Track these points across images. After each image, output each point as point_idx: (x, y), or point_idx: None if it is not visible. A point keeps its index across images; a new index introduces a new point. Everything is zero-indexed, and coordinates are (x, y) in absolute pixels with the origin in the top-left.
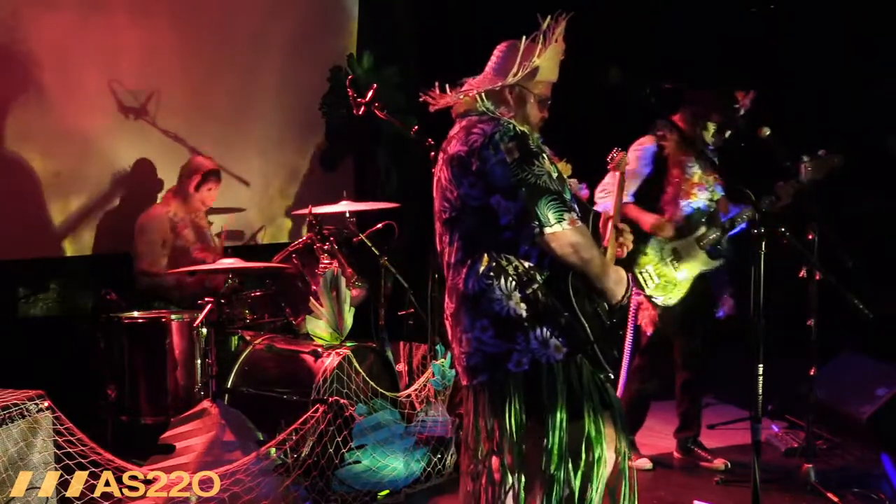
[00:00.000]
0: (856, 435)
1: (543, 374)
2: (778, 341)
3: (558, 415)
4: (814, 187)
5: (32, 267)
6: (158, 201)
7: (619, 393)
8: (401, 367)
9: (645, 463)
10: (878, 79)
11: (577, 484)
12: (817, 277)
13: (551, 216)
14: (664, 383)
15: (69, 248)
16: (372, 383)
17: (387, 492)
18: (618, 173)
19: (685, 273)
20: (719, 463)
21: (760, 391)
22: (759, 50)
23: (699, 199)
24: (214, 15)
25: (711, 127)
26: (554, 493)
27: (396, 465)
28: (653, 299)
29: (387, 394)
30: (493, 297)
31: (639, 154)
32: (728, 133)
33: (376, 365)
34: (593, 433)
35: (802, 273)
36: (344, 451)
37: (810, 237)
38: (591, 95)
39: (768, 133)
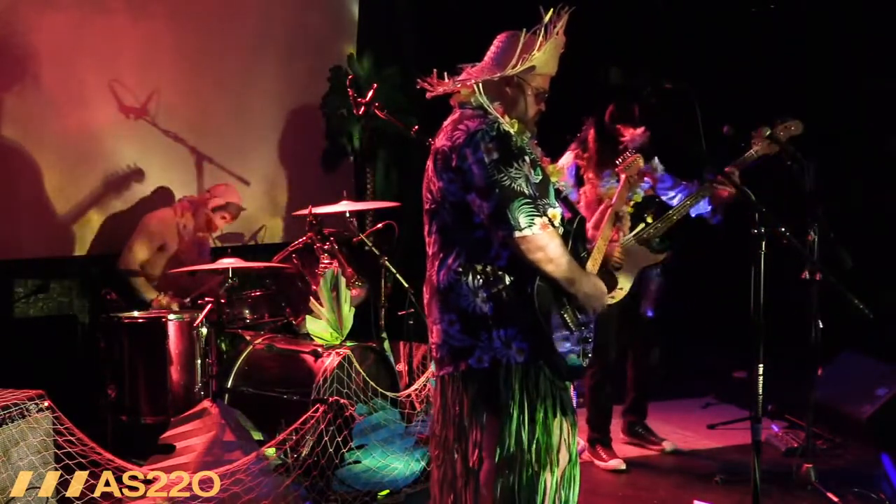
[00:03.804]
0: (856, 435)
1: (502, 373)
2: (778, 341)
3: (513, 415)
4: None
5: (32, 267)
6: (170, 206)
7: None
8: (401, 367)
9: (619, 464)
10: (877, 77)
11: (525, 484)
12: (817, 277)
13: (522, 220)
14: (643, 383)
15: (69, 248)
16: (372, 383)
17: (387, 492)
18: (623, 176)
19: (627, 272)
20: (667, 444)
21: (760, 391)
22: (759, 49)
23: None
24: (214, 15)
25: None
26: (506, 490)
27: (396, 465)
28: None
29: (387, 394)
30: (460, 293)
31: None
32: (613, 167)
33: (376, 365)
34: (543, 438)
35: (806, 274)
36: (344, 451)
37: (810, 238)
38: (589, 96)
39: (769, 133)
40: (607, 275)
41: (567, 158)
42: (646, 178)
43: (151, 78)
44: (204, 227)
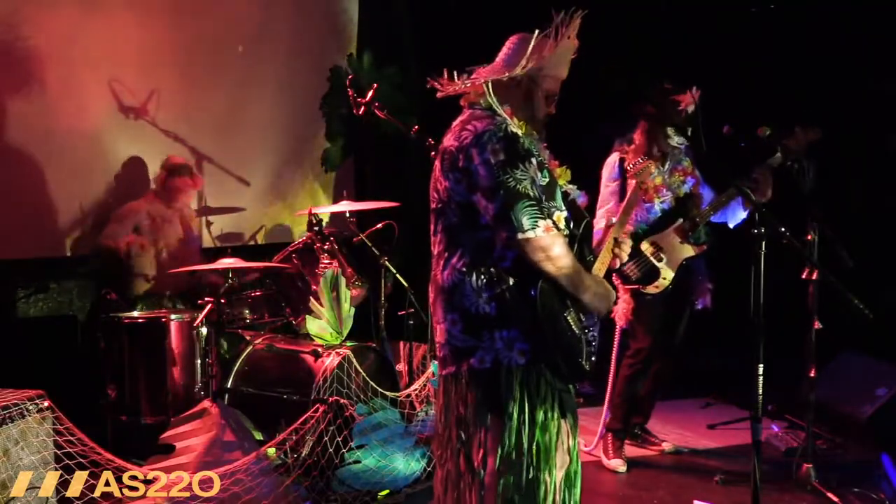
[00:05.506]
0: (856, 435)
1: (503, 375)
2: (778, 341)
3: (514, 417)
4: (792, 162)
5: (32, 267)
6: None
7: (607, 397)
8: (401, 367)
9: (619, 465)
10: (877, 77)
11: (525, 485)
12: (815, 277)
13: (525, 222)
14: (661, 382)
15: (69, 248)
16: (372, 383)
17: (387, 492)
18: (633, 182)
19: (669, 263)
20: (667, 445)
21: (760, 391)
22: (759, 49)
23: (662, 202)
24: (214, 15)
25: (670, 132)
26: (507, 491)
27: (396, 465)
28: (642, 290)
29: (387, 394)
30: (464, 293)
31: (609, 169)
32: (686, 134)
33: (376, 365)
34: (543, 440)
35: (806, 274)
36: (344, 451)
37: (810, 237)
38: (597, 101)
39: (769, 133)
40: (650, 266)
41: (612, 157)
42: (689, 177)
43: (151, 78)
44: (180, 202)
